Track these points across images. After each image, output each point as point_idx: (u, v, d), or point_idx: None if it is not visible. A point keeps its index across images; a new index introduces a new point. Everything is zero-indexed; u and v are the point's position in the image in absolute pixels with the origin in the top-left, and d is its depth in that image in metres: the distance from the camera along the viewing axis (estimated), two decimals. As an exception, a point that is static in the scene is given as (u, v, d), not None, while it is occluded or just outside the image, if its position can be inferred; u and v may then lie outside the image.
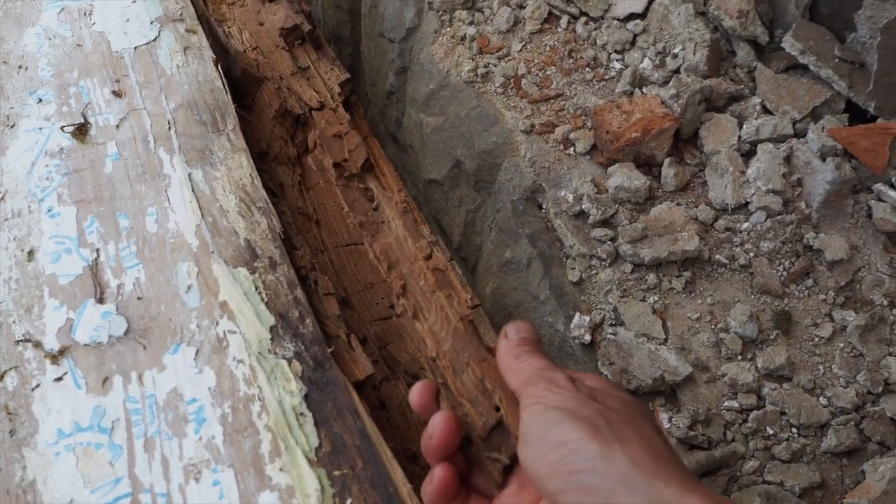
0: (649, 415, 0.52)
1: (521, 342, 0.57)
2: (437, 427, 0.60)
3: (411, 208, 0.72)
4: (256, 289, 0.79)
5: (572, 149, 1.17)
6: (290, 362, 0.73)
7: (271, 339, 0.75)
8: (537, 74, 1.26)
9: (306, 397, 0.71)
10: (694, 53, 1.21)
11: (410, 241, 0.69)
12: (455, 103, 1.28)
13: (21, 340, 0.76)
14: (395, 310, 0.99)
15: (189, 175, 0.89)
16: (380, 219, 0.73)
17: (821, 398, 0.95)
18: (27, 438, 0.70)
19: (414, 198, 1.13)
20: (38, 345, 0.76)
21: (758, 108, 1.18)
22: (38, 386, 0.73)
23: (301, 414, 0.70)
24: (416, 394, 0.65)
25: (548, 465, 0.46)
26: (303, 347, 0.75)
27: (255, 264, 0.81)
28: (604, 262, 1.05)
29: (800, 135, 1.15)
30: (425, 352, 0.62)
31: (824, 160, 1.09)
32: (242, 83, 1.14)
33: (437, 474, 0.59)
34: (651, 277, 1.03)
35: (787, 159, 1.11)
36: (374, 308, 0.99)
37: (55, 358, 0.75)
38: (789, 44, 1.20)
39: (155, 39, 1.06)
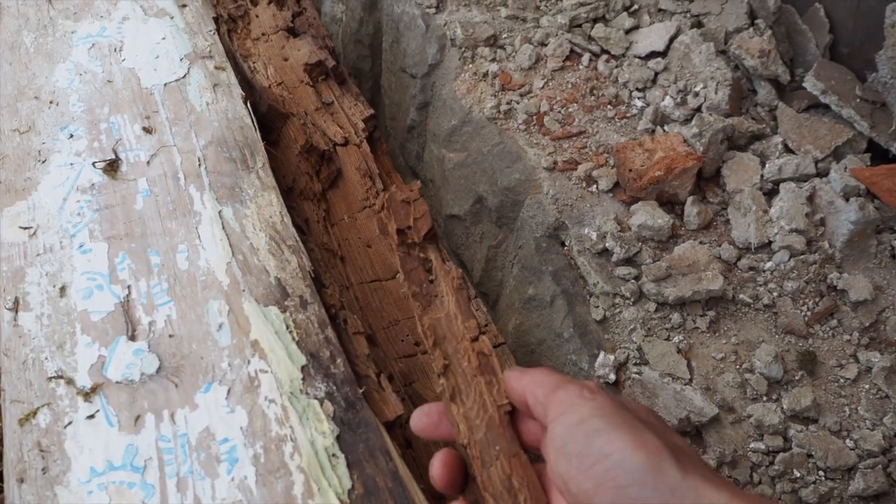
0: (670, 427, 0.51)
1: (520, 369, 0.56)
2: (436, 472, 0.60)
3: (465, 286, 0.72)
4: (287, 328, 0.79)
5: (595, 186, 1.17)
6: (321, 402, 0.73)
7: (303, 378, 0.75)
8: (559, 111, 1.27)
9: (338, 438, 0.71)
10: (716, 92, 1.22)
11: (460, 320, 0.68)
12: (477, 139, 1.29)
13: (53, 377, 0.77)
14: (419, 347, 0.99)
15: (219, 212, 0.90)
16: (434, 292, 0.73)
17: (847, 440, 0.95)
18: (59, 476, 0.70)
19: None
20: (70, 382, 0.76)
21: (780, 147, 1.19)
22: (70, 423, 0.73)
23: (333, 455, 0.70)
24: (418, 421, 0.65)
25: (592, 478, 0.44)
26: (334, 387, 0.75)
27: (286, 303, 0.82)
28: (628, 301, 1.05)
29: (822, 174, 1.15)
30: (457, 437, 0.62)
31: (847, 200, 1.09)
32: (268, 119, 1.15)
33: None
34: (675, 316, 1.03)
35: (810, 199, 1.11)
36: (398, 345, 0.99)
37: (87, 395, 0.75)
38: (811, 83, 1.21)
39: (185, 76, 1.07)
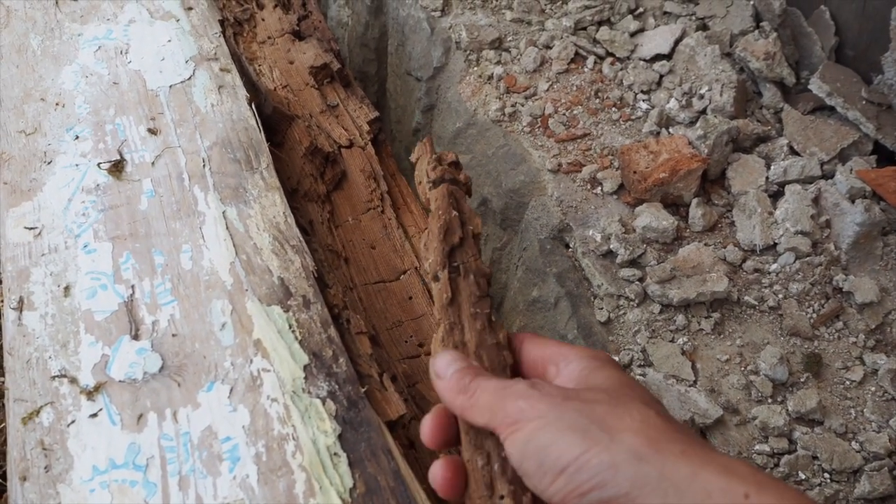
0: (632, 384, 0.49)
1: (458, 375, 0.52)
2: (436, 477, 0.55)
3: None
4: (290, 327, 0.79)
5: (599, 188, 1.17)
6: (324, 402, 0.73)
7: (305, 377, 0.75)
8: (564, 114, 1.27)
9: (340, 437, 0.71)
10: (721, 94, 1.22)
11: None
12: (482, 142, 1.29)
13: (57, 376, 0.77)
14: (423, 348, 0.99)
15: (223, 213, 0.90)
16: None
17: (853, 443, 0.94)
18: (62, 474, 0.70)
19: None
20: (73, 381, 0.76)
21: (785, 149, 1.19)
22: (73, 422, 0.73)
23: (335, 454, 0.70)
24: (429, 430, 0.57)
25: (557, 493, 0.44)
26: (336, 387, 0.75)
27: (289, 302, 0.82)
28: (632, 303, 1.05)
29: (827, 176, 1.15)
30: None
31: (853, 202, 1.09)
32: (273, 121, 1.15)
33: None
34: (680, 318, 1.03)
35: (816, 201, 1.11)
36: (402, 346, 0.99)
37: (90, 394, 0.75)
38: (816, 86, 1.21)
39: (190, 78, 1.08)
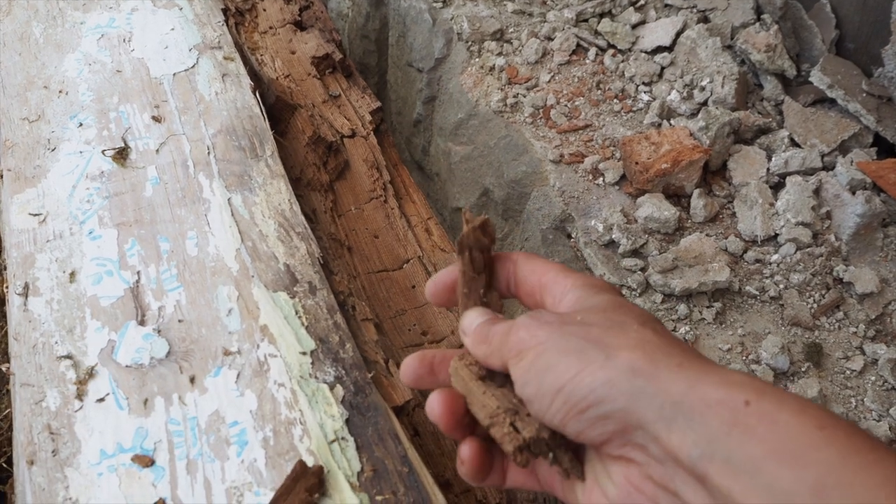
0: (629, 307, 0.49)
1: (480, 327, 0.52)
2: (434, 410, 0.53)
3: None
4: (297, 313, 0.79)
5: (601, 179, 1.18)
6: (331, 387, 0.73)
7: (312, 363, 0.75)
8: (566, 105, 1.27)
9: (347, 422, 0.71)
10: (722, 86, 1.22)
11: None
12: (484, 133, 1.29)
13: (63, 360, 0.77)
14: (426, 336, 0.99)
15: (228, 200, 0.91)
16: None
17: (854, 431, 0.95)
18: (70, 458, 0.70)
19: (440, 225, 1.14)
20: (79, 365, 0.77)
21: (786, 140, 1.19)
22: (80, 407, 0.74)
23: (343, 438, 0.70)
24: (410, 371, 0.56)
25: (557, 414, 0.44)
26: (343, 372, 0.75)
27: (295, 289, 0.82)
28: (634, 292, 1.05)
29: (828, 168, 1.16)
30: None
31: (854, 193, 1.09)
32: (276, 110, 1.15)
33: (465, 453, 0.53)
34: (682, 308, 1.04)
35: (817, 192, 1.12)
36: (405, 334, 0.99)
37: (97, 379, 0.75)
38: (817, 78, 1.22)
39: (193, 66, 1.08)
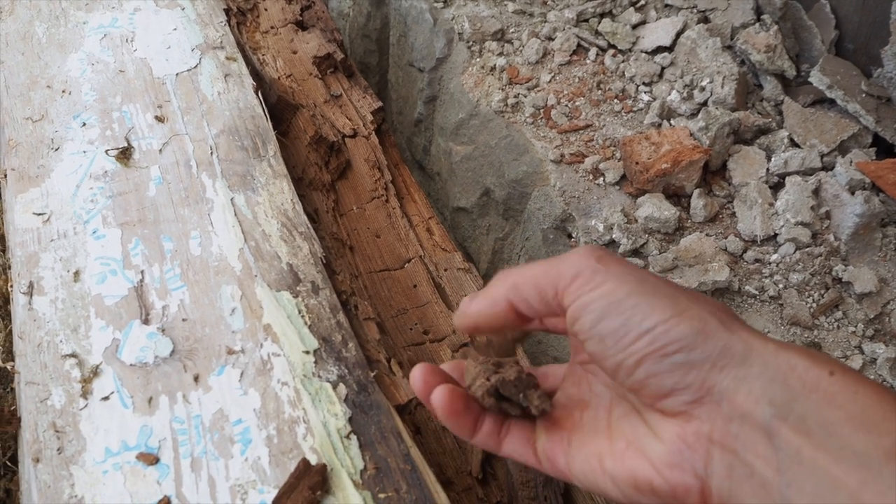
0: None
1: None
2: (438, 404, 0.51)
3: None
4: (300, 312, 0.80)
5: (602, 179, 1.18)
6: (334, 385, 0.74)
7: (315, 362, 0.76)
8: (567, 105, 1.28)
9: (350, 420, 0.72)
10: (722, 87, 1.23)
11: None
12: (485, 132, 1.30)
13: (68, 359, 0.77)
14: (427, 335, 1.00)
15: (231, 199, 0.91)
16: None
17: (852, 430, 0.95)
18: (75, 456, 0.71)
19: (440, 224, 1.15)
20: (84, 364, 0.77)
21: (786, 141, 1.20)
22: (85, 405, 0.74)
23: (346, 437, 0.71)
24: (420, 379, 0.52)
25: (633, 354, 0.43)
26: (346, 371, 0.76)
27: (298, 288, 0.83)
28: (634, 292, 1.06)
29: (827, 168, 1.16)
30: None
31: (853, 193, 1.10)
32: (278, 110, 1.16)
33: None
34: (682, 307, 1.04)
35: (816, 192, 1.12)
36: (407, 333, 1.00)
37: (102, 377, 0.76)
38: (817, 78, 1.22)
39: (196, 66, 1.08)
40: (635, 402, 0.47)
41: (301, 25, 1.40)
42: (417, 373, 0.52)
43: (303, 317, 0.80)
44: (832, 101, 1.23)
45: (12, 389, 0.95)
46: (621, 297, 0.44)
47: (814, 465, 0.37)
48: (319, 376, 0.75)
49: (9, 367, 0.83)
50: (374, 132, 1.22)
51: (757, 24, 1.31)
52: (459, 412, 0.51)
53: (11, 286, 0.88)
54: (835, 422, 0.37)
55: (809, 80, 1.25)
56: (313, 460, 0.69)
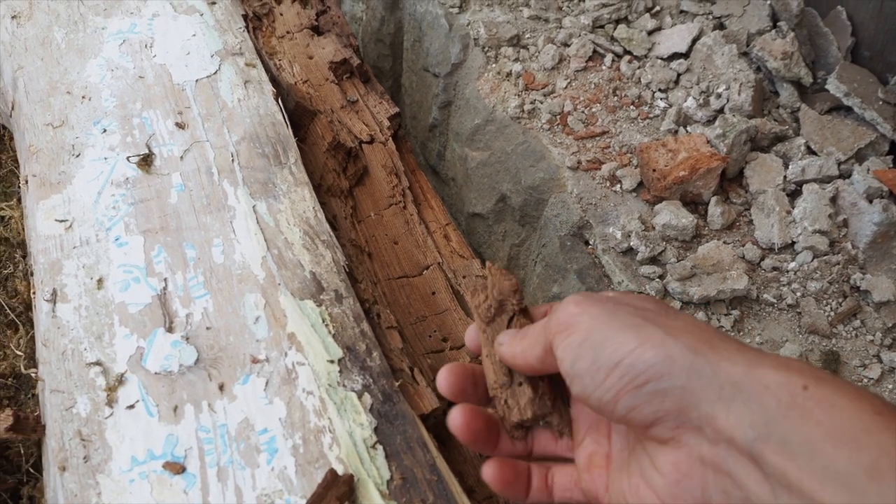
0: (672, 307, 0.49)
1: (514, 334, 0.53)
2: (442, 381, 0.54)
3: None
4: (324, 321, 0.80)
5: (619, 186, 1.18)
6: (359, 395, 0.74)
7: (340, 371, 0.76)
8: (583, 111, 1.28)
9: (376, 430, 0.72)
10: (739, 93, 1.23)
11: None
12: (501, 138, 1.30)
13: (93, 367, 0.78)
14: (447, 343, 1.00)
15: (253, 207, 0.91)
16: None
17: (872, 440, 0.95)
18: (101, 465, 0.71)
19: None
20: (109, 372, 0.77)
21: (802, 148, 1.20)
22: (111, 413, 0.74)
23: (372, 447, 0.71)
24: (446, 380, 0.55)
25: (610, 389, 0.44)
26: (371, 380, 0.76)
27: (321, 297, 0.83)
28: (653, 299, 1.06)
29: (844, 176, 1.16)
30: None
31: (871, 202, 1.10)
32: (296, 116, 1.16)
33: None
34: (700, 315, 1.04)
35: (833, 200, 1.12)
36: (426, 341, 1.00)
37: (127, 385, 0.76)
38: (834, 86, 1.22)
39: (216, 73, 1.08)
40: (637, 434, 0.48)
41: (316, 30, 1.40)
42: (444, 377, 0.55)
43: (327, 326, 0.80)
44: (849, 109, 1.23)
45: (33, 396, 0.96)
46: (591, 336, 0.45)
47: (801, 489, 0.37)
48: (344, 385, 0.75)
49: (32, 375, 0.83)
50: (390, 138, 1.22)
51: (773, 31, 1.31)
52: (480, 430, 0.53)
53: (34, 293, 0.88)
54: (815, 440, 0.37)
55: (826, 87, 1.25)
56: (340, 470, 0.69)
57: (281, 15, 1.42)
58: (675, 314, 0.46)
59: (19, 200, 1.16)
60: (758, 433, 0.39)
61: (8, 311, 1.02)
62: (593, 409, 0.47)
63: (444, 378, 0.55)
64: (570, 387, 0.47)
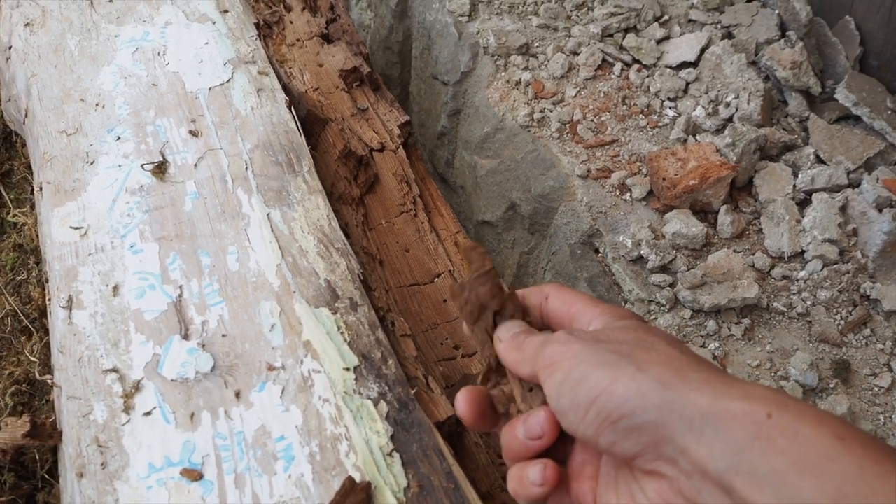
0: (655, 329, 0.51)
1: (514, 336, 0.55)
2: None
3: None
4: (339, 329, 0.81)
5: (629, 194, 1.19)
6: (375, 403, 0.75)
7: (355, 379, 0.77)
8: (592, 120, 1.28)
9: (392, 438, 0.72)
10: (748, 103, 1.23)
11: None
12: (511, 147, 1.30)
13: (109, 374, 0.78)
14: (459, 350, 1.00)
15: (268, 215, 0.92)
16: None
17: (883, 448, 0.96)
18: (119, 472, 0.71)
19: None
20: (125, 379, 0.78)
21: (812, 157, 1.20)
22: (128, 420, 0.75)
23: (389, 454, 0.71)
24: (465, 405, 0.55)
25: (590, 425, 0.46)
26: (386, 388, 0.76)
27: (336, 305, 0.83)
28: (663, 308, 1.06)
29: (854, 185, 1.17)
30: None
31: (881, 211, 1.10)
32: (307, 124, 1.17)
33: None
34: (711, 324, 1.05)
35: (843, 209, 1.13)
36: (438, 348, 1.00)
37: (144, 392, 0.76)
38: (843, 95, 1.23)
39: (228, 81, 1.09)
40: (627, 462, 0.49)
41: (327, 38, 1.41)
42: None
43: (342, 333, 0.80)
44: (857, 118, 1.23)
45: (47, 402, 0.96)
46: (572, 373, 0.47)
47: None
48: (360, 393, 0.76)
49: (48, 381, 0.83)
50: (401, 146, 1.22)
51: (782, 41, 1.32)
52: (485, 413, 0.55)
53: (49, 299, 0.88)
54: (781, 470, 0.38)
55: (835, 96, 1.25)
56: (357, 478, 0.69)
57: (291, 23, 1.43)
58: (650, 345, 0.48)
59: (32, 207, 1.17)
60: (728, 464, 0.40)
61: (22, 317, 1.02)
62: (579, 440, 0.49)
63: (463, 406, 0.56)
64: (560, 422, 0.49)
